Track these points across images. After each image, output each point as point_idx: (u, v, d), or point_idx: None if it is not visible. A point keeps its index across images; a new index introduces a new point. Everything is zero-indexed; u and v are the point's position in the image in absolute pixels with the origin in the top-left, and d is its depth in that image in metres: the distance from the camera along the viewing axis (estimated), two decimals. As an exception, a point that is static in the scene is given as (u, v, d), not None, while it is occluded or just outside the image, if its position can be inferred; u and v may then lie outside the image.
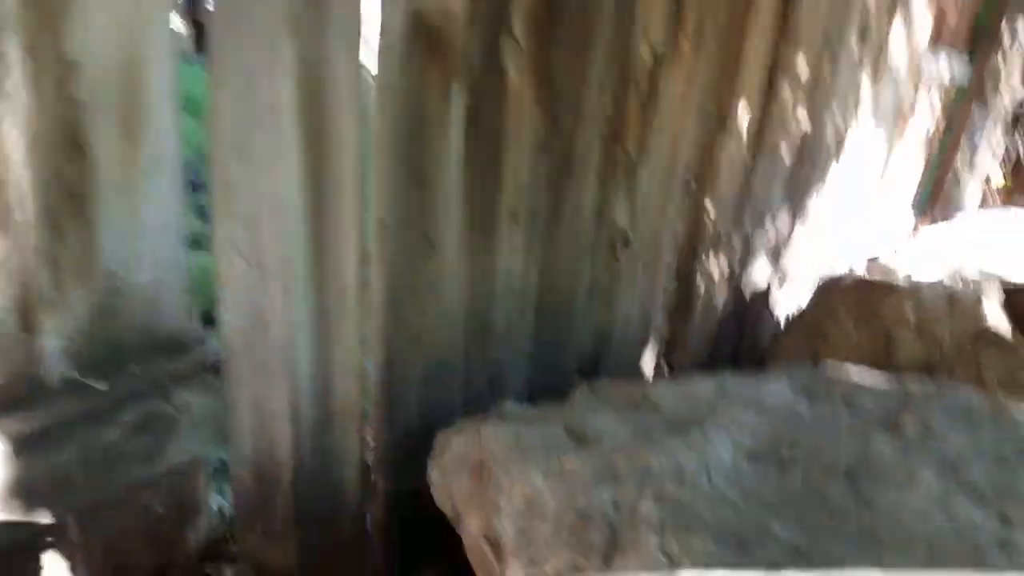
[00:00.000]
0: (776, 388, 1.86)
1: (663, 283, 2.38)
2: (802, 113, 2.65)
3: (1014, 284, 2.44)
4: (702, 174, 2.33)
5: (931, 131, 4.23)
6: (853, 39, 2.80)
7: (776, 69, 2.42)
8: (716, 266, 2.58)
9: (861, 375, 1.94)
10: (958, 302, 2.38)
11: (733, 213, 2.55)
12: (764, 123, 2.47)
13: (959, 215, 4.60)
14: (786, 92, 2.50)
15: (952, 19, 4.10)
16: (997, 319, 2.33)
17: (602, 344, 2.21)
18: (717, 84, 2.21)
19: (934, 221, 4.38)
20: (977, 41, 4.32)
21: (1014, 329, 2.32)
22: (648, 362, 2.44)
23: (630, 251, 2.12)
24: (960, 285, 2.47)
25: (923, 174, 4.42)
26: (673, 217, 2.28)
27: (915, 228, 4.39)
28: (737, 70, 2.26)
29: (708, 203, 2.40)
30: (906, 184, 4.22)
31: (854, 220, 3.50)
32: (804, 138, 2.73)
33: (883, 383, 1.90)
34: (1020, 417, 1.73)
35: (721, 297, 2.71)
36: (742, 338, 2.95)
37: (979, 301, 2.36)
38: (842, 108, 2.94)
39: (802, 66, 2.52)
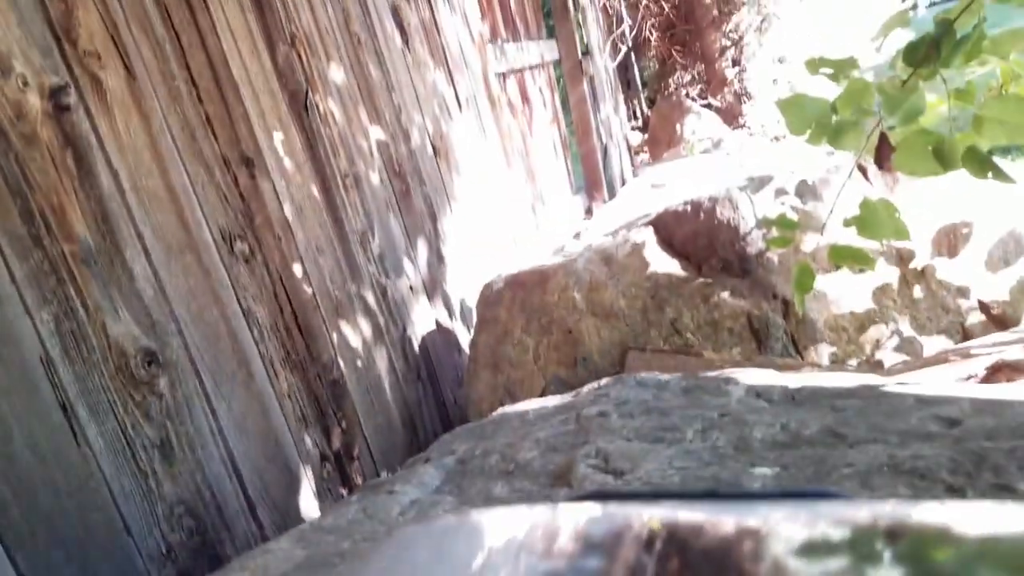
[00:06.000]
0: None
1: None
2: (366, 126, 2.15)
3: (656, 214, 2.23)
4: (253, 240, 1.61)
5: (551, 115, 4.12)
6: (388, 30, 2.36)
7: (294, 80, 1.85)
8: (360, 334, 1.94)
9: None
10: (615, 259, 2.09)
11: (346, 269, 1.92)
12: (316, 151, 1.89)
13: (622, 185, 4.57)
14: (327, 106, 1.97)
15: (527, 8, 4.05)
16: (660, 259, 2.09)
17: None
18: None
19: (604, 199, 4.30)
20: (553, 20, 4.39)
21: (679, 261, 2.09)
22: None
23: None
24: (611, 240, 2.20)
25: (567, 159, 4.28)
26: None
27: (589, 212, 4.24)
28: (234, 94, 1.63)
29: (298, 270, 1.72)
30: (550, 170, 3.96)
31: (504, 221, 3.11)
32: (387, 152, 2.25)
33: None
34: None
35: (383, 359, 2.04)
36: (435, 394, 2.34)
37: (636, 248, 2.10)
38: (416, 106, 2.47)
39: (335, 73, 2.04)
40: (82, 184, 1.19)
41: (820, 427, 1.10)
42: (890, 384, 1.16)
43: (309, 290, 1.70)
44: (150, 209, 1.31)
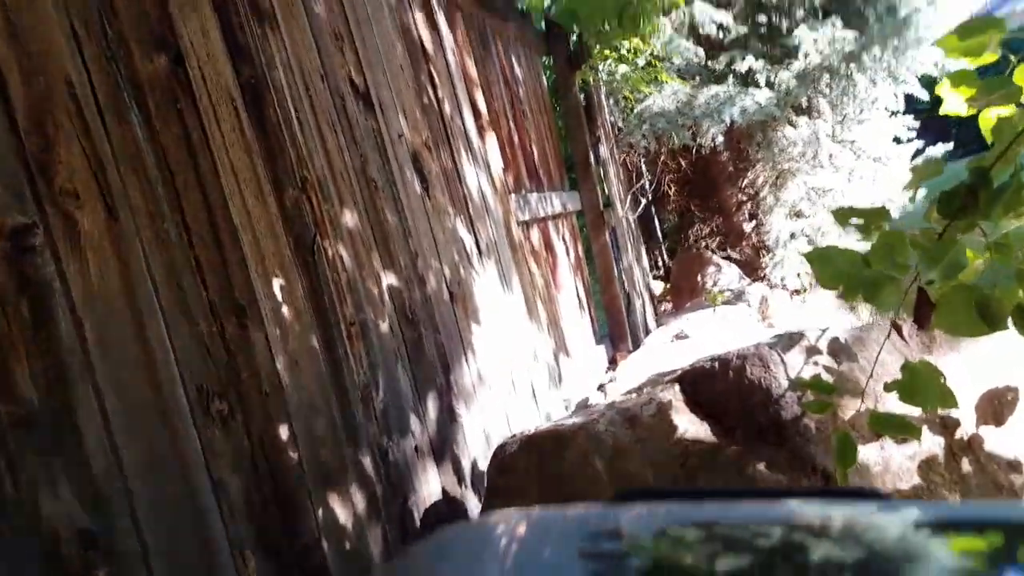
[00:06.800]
0: None
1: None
2: (378, 271, 2.03)
3: (681, 371, 2.08)
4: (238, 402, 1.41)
5: (575, 263, 4.22)
6: (408, 177, 2.32)
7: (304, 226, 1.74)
8: (351, 508, 1.68)
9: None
10: (640, 421, 1.90)
11: (342, 429, 1.71)
12: (320, 297, 1.74)
13: (646, 334, 4.64)
14: (336, 251, 1.85)
15: (551, 162, 4.26)
16: (688, 421, 1.91)
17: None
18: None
19: (628, 349, 4.35)
20: (575, 173, 4.64)
21: (709, 424, 1.90)
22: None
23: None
24: (635, 399, 2.02)
25: (591, 307, 4.33)
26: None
27: (613, 362, 4.22)
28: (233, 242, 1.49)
29: (284, 433, 1.51)
30: (575, 318, 3.94)
31: (525, 371, 2.96)
32: (402, 300, 2.13)
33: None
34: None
35: (377, 539, 1.75)
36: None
37: (662, 407, 1.92)
38: (433, 252, 2.39)
39: (348, 217, 1.94)
40: (36, 335, 1.05)
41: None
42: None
43: (295, 456, 1.50)
44: (116, 364, 1.15)
